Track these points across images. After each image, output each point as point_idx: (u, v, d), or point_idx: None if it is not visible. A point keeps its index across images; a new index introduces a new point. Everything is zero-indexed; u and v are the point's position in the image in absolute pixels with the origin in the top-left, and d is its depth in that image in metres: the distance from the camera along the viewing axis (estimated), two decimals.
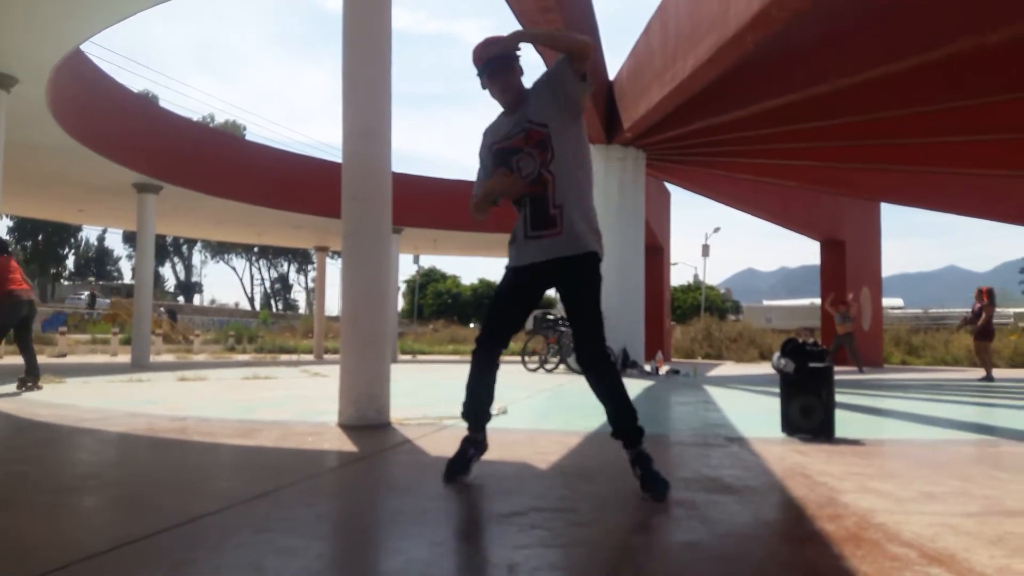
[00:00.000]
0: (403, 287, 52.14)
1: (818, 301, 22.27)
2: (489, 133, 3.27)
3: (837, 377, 5.00)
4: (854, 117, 11.21)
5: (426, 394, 7.94)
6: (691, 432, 5.22)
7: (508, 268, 3.22)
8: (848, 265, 21.06)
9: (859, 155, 14.40)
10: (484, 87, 3.17)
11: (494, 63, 3.11)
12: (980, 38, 7.79)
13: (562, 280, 3.07)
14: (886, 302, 30.37)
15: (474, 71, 3.19)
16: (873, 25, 8.74)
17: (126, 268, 68.80)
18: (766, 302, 54.71)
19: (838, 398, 4.96)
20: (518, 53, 3.14)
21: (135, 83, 66.89)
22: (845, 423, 5.14)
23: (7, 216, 47.60)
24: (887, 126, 11.95)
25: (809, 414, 4.76)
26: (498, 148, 3.16)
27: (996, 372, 14.29)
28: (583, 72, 2.98)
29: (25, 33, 8.94)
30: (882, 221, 22.48)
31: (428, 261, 53.82)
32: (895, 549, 2.23)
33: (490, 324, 3.21)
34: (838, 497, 2.97)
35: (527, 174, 3.04)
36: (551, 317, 14.48)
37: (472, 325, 41.90)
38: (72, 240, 64.63)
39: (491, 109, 3.36)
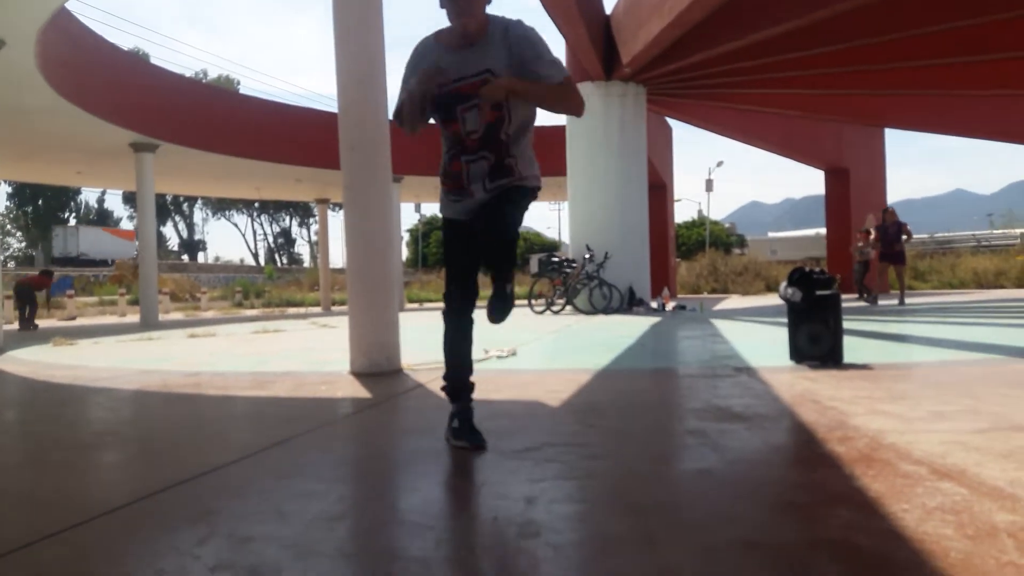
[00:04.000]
0: (407, 236, 52.04)
1: (823, 231, 22.16)
2: (418, 57, 2.74)
3: (845, 305, 5.01)
4: (854, 42, 10.98)
5: (434, 339, 7.99)
6: (699, 364, 5.26)
7: (453, 219, 2.88)
8: (853, 193, 20.88)
9: (861, 80, 14.14)
10: (442, 5, 2.63)
11: None
12: None
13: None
14: None
15: None
16: None
17: (128, 228, 68.76)
18: (771, 234, 54.50)
19: (846, 324, 4.98)
20: None
21: (125, 41, 65.76)
22: (853, 349, 5.17)
23: (5, 182, 47.37)
24: (888, 49, 11.71)
25: (817, 341, 4.78)
26: (448, 90, 2.67)
27: (1005, 293, 14.23)
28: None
29: None
30: (887, 147, 22.22)
31: (430, 209, 53.65)
32: (906, 467, 2.26)
33: (459, 284, 2.88)
34: (848, 420, 3.00)
35: (470, 130, 2.72)
36: (556, 259, 14.45)
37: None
38: (72, 203, 64.42)
39: None
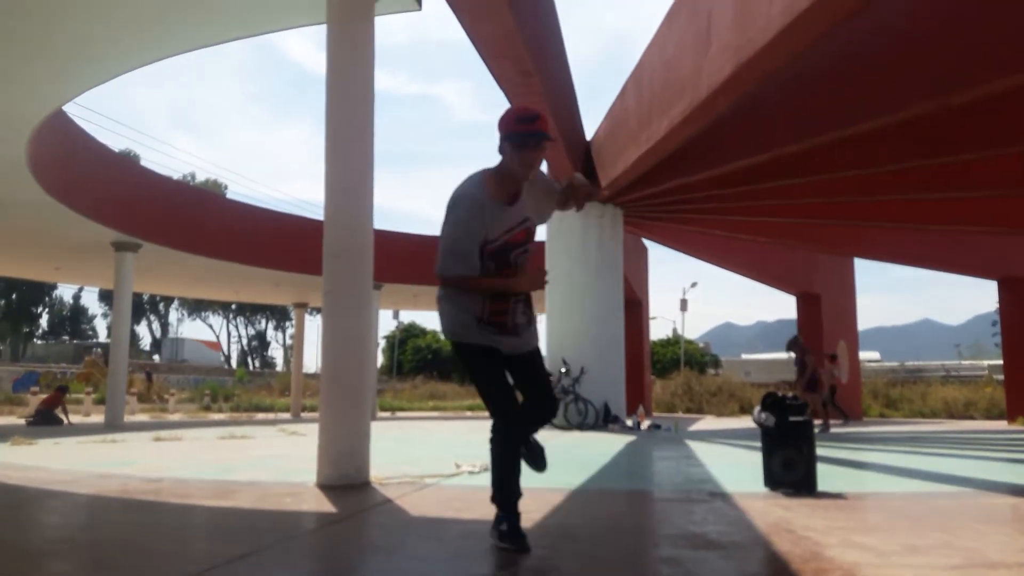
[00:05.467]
0: (383, 343, 51.78)
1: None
2: (479, 210, 2.89)
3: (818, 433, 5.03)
4: (825, 175, 11.47)
5: (406, 452, 7.85)
6: (674, 488, 5.20)
7: (493, 350, 3.01)
8: (824, 319, 21.28)
9: (831, 212, 14.69)
10: (524, 149, 2.85)
11: (541, 136, 2.88)
12: (944, 100, 8.07)
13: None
14: (863, 355, 30.65)
15: (516, 123, 2.89)
16: (840, 87, 9.02)
17: (101, 327, 67.88)
18: (744, 356, 54.89)
19: (819, 451, 4.98)
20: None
21: (117, 143, 67.02)
22: (827, 476, 5.14)
23: None
24: (858, 183, 12.24)
25: (791, 467, 4.76)
26: (498, 245, 2.94)
27: (975, 424, 14.36)
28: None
29: (6, 94, 9.00)
30: (857, 275, 22.88)
31: (408, 316, 53.67)
32: None
33: (511, 403, 3.05)
34: (823, 551, 2.96)
35: (519, 268, 3.01)
36: None
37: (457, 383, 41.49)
38: (47, 299, 63.75)
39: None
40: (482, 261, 2.90)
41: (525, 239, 3.00)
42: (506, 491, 3.02)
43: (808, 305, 21.80)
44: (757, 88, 8.20)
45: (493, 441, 3.05)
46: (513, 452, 3.05)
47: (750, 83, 7.85)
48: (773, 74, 7.79)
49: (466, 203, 2.91)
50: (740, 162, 10.91)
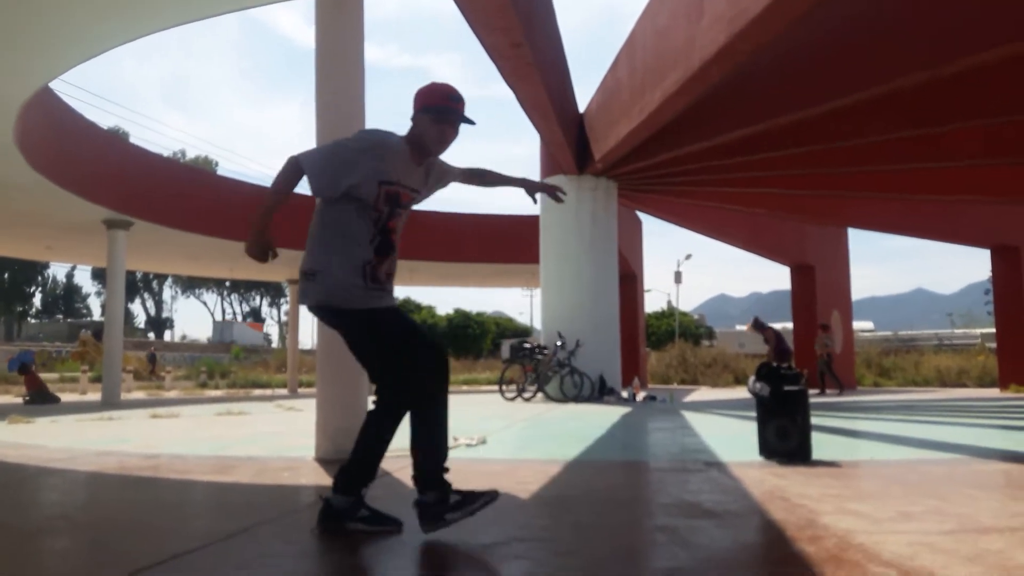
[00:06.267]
0: None
1: (790, 326, 22.56)
2: (389, 155, 2.87)
3: (812, 400, 5.07)
4: (817, 146, 11.46)
5: (403, 425, 7.89)
6: (670, 457, 5.24)
7: (382, 309, 2.90)
8: (818, 289, 21.36)
9: (824, 183, 14.69)
10: (444, 124, 2.90)
11: (463, 120, 2.95)
12: (934, 71, 8.05)
13: None
14: (857, 325, 30.81)
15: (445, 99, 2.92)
16: (832, 58, 8.97)
17: (95, 305, 67.65)
18: (739, 327, 55.14)
19: (813, 420, 5.02)
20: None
21: (106, 120, 66.26)
22: (821, 445, 5.19)
23: None
24: (850, 154, 12.22)
25: (785, 437, 4.80)
26: (394, 189, 2.89)
27: (967, 392, 14.55)
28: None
29: None
30: (850, 246, 22.91)
31: (403, 292, 53.64)
32: (875, 569, 2.26)
33: (407, 370, 2.90)
34: (817, 519, 2.99)
35: (398, 230, 2.97)
36: (527, 346, 14.48)
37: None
38: (39, 277, 63.52)
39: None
40: (376, 199, 2.84)
41: (408, 203, 2.99)
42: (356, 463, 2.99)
43: (802, 276, 21.85)
44: (750, 59, 8.14)
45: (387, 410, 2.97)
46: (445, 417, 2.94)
47: (743, 54, 7.80)
48: (766, 45, 7.74)
49: (378, 141, 2.88)
50: (733, 133, 10.88)
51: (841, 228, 21.90)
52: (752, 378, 5.00)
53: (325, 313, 2.92)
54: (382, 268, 2.90)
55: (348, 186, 2.80)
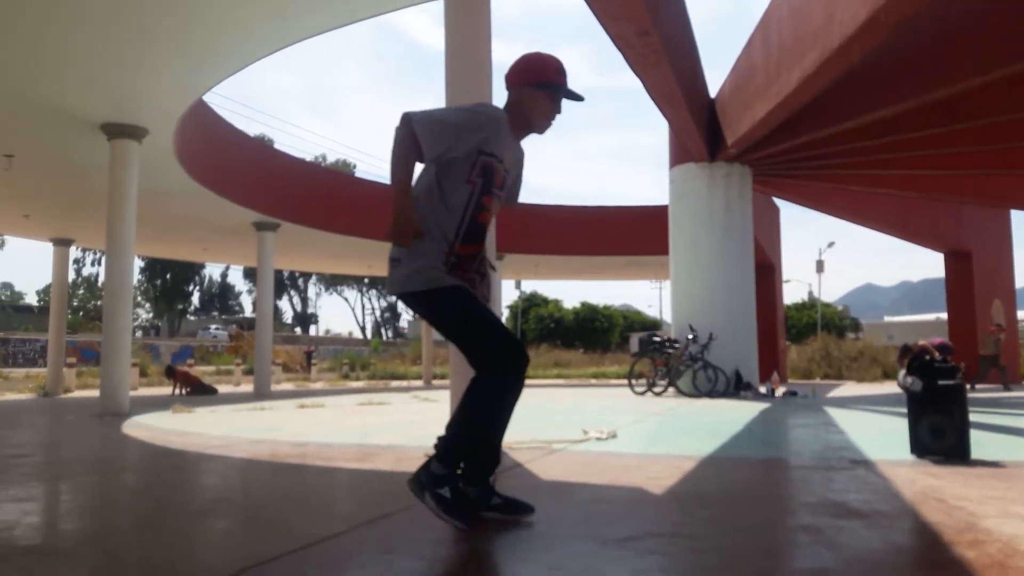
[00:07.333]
0: (506, 312, 52.54)
1: (944, 316, 21.01)
2: (496, 132, 2.77)
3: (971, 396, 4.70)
4: (975, 121, 10.60)
5: (533, 418, 7.96)
6: (812, 455, 5.01)
7: (464, 287, 2.79)
8: (976, 277, 19.78)
9: (983, 161, 13.57)
10: (557, 101, 2.85)
11: (580, 98, 2.88)
12: None
13: None
14: (1021, 315, 28.30)
15: (560, 76, 2.85)
16: (992, 23, 8.26)
17: (247, 302, 72.49)
18: (887, 318, 52.01)
19: (972, 417, 4.65)
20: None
21: (252, 128, 70.90)
22: (981, 444, 4.81)
23: (139, 257, 51.17)
24: (1013, 128, 11.22)
25: (940, 434, 4.47)
26: (490, 162, 2.76)
27: None
28: None
29: (154, 86, 9.67)
30: (1013, 229, 21.09)
31: (530, 286, 54.15)
32: None
33: (511, 335, 2.82)
34: (978, 522, 2.77)
35: (489, 207, 2.82)
36: (657, 339, 14.25)
37: (580, 349, 41.58)
38: (196, 277, 68.70)
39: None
40: (471, 168, 2.72)
41: (500, 186, 2.83)
42: (479, 448, 2.87)
43: (957, 263, 20.30)
44: (895, 32, 7.63)
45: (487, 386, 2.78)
46: (508, 400, 2.82)
47: (887, 28, 7.32)
48: (912, 18, 7.23)
49: (487, 115, 2.79)
50: (878, 112, 10.24)
51: (1002, 209, 20.18)
52: (903, 372, 4.70)
53: (408, 300, 2.84)
54: (469, 259, 2.82)
55: (452, 155, 2.70)
